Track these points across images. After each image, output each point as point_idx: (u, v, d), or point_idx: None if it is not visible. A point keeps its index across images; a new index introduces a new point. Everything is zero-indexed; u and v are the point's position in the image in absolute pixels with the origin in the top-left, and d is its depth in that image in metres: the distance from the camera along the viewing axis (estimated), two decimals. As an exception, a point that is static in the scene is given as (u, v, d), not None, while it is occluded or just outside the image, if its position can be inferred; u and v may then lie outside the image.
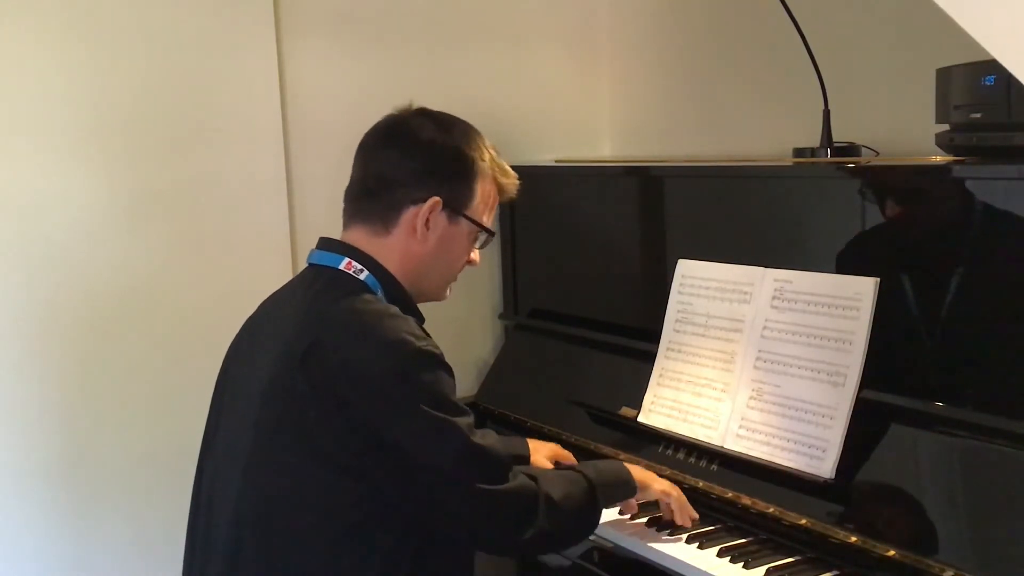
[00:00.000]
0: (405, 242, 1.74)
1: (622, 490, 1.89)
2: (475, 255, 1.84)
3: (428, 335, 1.69)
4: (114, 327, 2.37)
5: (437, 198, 1.72)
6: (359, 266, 1.71)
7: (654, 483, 1.95)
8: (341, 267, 1.71)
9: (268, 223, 2.54)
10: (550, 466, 2.11)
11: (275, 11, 2.50)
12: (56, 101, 2.27)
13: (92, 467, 2.36)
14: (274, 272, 2.48)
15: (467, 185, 1.76)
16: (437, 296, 1.84)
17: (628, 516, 2.01)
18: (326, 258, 1.74)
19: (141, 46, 2.34)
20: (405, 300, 1.74)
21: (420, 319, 1.77)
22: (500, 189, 1.83)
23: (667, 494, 1.96)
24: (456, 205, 1.75)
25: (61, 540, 2.34)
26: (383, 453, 1.58)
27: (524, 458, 2.10)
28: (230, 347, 1.83)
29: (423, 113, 1.81)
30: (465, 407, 1.66)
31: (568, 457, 2.19)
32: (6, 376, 2.27)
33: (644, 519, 2.01)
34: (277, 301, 1.81)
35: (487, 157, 1.79)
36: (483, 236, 1.82)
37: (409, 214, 1.73)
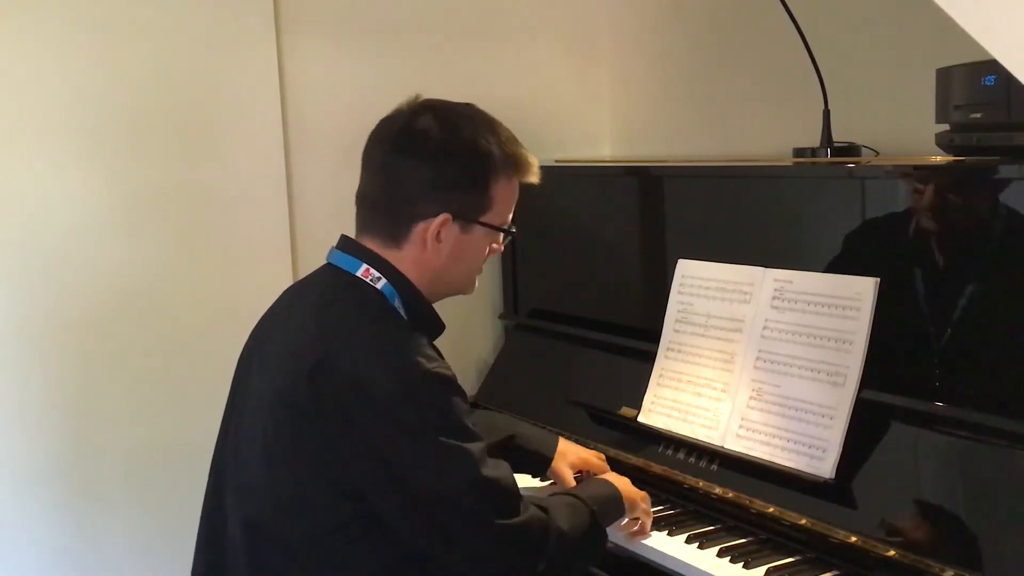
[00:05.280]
0: (418, 254, 1.67)
1: (616, 511, 1.86)
2: (498, 245, 1.75)
3: (440, 355, 1.64)
4: (115, 327, 2.37)
5: (447, 215, 1.64)
6: (377, 274, 1.65)
7: (638, 501, 1.92)
8: (359, 274, 1.65)
9: (268, 223, 2.53)
10: (570, 475, 2.03)
11: (275, 11, 2.50)
12: (57, 102, 2.27)
13: (93, 468, 2.36)
14: (274, 273, 2.49)
15: (481, 191, 1.67)
16: (463, 291, 1.78)
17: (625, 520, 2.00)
18: (345, 261, 1.68)
19: (141, 47, 2.34)
20: (423, 310, 1.69)
21: (439, 328, 1.72)
22: (520, 182, 1.73)
23: (648, 513, 1.95)
24: (469, 215, 1.67)
25: (62, 541, 2.34)
26: (389, 480, 1.54)
27: (546, 459, 2.02)
28: (251, 335, 1.79)
29: (428, 109, 1.69)
30: (477, 433, 1.60)
31: (600, 467, 2.08)
32: (8, 377, 2.27)
33: (644, 519, 2.01)
34: (296, 297, 1.76)
35: (500, 153, 1.68)
36: (503, 235, 1.74)
37: (419, 229, 1.65)
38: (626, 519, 1.91)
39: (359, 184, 1.74)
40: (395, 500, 1.56)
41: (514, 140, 1.72)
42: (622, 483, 1.93)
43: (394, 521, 1.57)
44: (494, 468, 1.59)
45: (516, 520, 1.60)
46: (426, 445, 1.55)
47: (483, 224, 1.69)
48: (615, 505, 1.85)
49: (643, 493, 1.97)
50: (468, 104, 1.73)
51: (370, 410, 1.54)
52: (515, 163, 1.71)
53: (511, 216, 1.75)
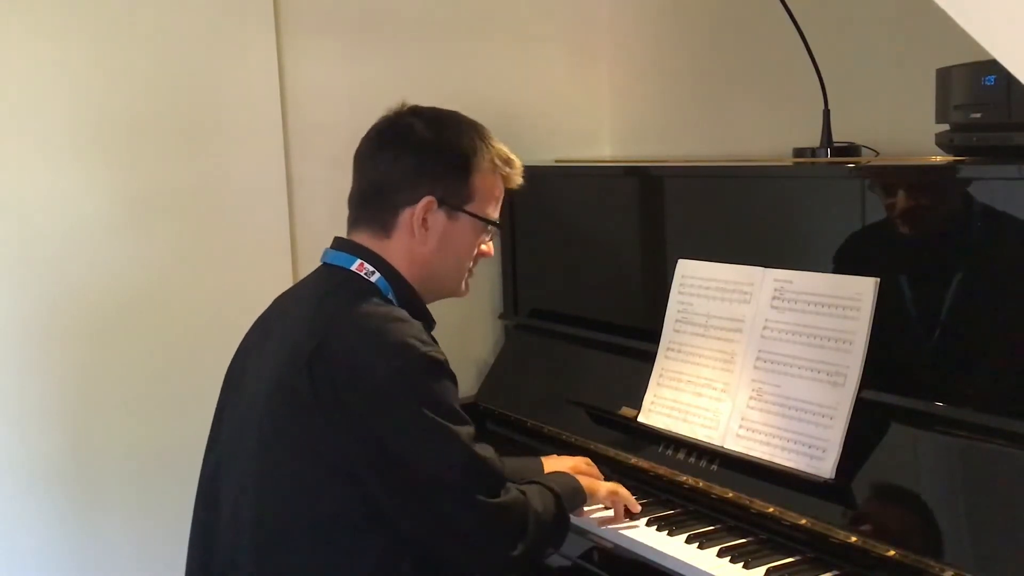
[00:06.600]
0: (407, 244, 1.73)
1: (578, 499, 1.92)
2: (487, 247, 1.82)
3: (434, 341, 1.67)
4: (115, 327, 2.37)
5: (430, 197, 1.71)
6: (371, 268, 1.70)
7: (600, 487, 1.98)
8: (353, 268, 1.71)
9: (268, 223, 2.54)
10: None
11: (275, 11, 2.50)
12: (57, 103, 2.27)
13: (93, 469, 2.36)
14: (274, 273, 2.49)
15: (463, 180, 1.74)
16: (455, 292, 1.83)
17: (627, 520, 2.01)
18: (340, 258, 1.73)
19: (141, 47, 2.34)
20: (415, 303, 1.73)
21: (430, 323, 1.76)
22: (503, 179, 1.80)
23: (615, 493, 1.99)
24: (453, 202, 1.73)
25: (62, 541, 2.34)
26: (383, 460, 1.57)
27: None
28: (241, 343, 1.82)
29: (414, 112, 1.78)
30: (467, 417, 1.65)
31: (591, 472, 2.08)
32: (8, 377, 2.27)
33: (644, 519, 2.01)
34: (290, 298, 1.81)
35: (483, 148, 1.76)
36: (490, 229, 1.79)
37: (405, 216, 1.72)
38: (584, 508, 1.97)
39: (351, 189, 1.79)
40: (388, 480, 1.58)
41: (496, 140, 1.79)
42: (584, 479, 1.98)
43: (386, 503, 1.59)
44: (482, 449, 1.65)
45: (502, 500, 1.66)
46: (419, 425, 1.58)
47: (469, 213, 1.74)
48: (577, 494, 1.92)
49: (611, 484, 2.01)
50: (454, 111, 1.80)
51: (365, 393, 1.57)
52: (498, 158, 1.78)
53: (497, 213, 1.80)
